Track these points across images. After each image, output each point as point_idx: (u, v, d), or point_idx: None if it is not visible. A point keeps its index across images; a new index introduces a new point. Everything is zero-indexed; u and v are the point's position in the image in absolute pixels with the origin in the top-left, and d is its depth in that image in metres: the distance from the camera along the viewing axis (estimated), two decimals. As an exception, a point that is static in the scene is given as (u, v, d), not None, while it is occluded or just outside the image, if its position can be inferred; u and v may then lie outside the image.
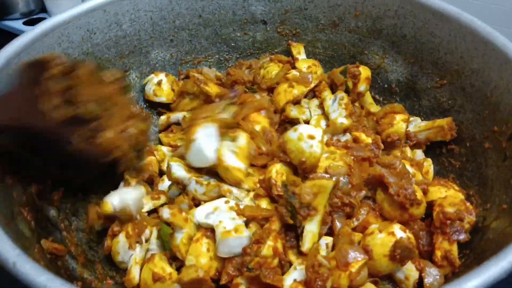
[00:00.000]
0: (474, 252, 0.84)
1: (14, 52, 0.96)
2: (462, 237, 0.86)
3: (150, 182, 1.08)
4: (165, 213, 0.90)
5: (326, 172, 0.92)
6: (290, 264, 0.86)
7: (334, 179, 0.89)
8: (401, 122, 1.10)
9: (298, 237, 0.87)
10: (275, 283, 0.79)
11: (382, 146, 1.05)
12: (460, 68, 1.04)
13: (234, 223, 0.85)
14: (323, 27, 1.26)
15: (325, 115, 1.15)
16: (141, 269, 0.91)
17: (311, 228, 0.86)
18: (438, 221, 0.88)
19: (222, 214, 0.87)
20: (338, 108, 1.11)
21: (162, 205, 1.00)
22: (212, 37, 1.29)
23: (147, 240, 0.94)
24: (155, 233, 0.94)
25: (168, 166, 0.96)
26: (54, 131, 0.83)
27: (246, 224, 0.87)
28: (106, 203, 0.93)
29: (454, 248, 0.85)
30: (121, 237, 0.93)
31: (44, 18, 1.95)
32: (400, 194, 0.87)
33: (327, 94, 1.17)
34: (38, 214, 0.90)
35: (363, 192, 0.92)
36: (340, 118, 1.07)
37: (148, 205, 1.00)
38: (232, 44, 1.31)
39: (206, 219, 0.87)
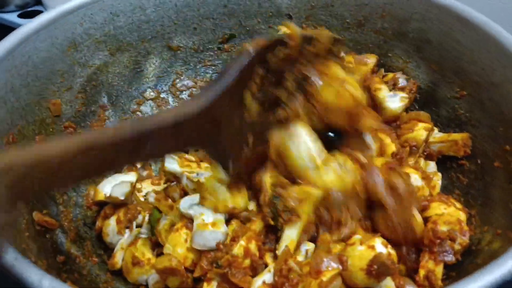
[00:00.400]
0: (460, 276, 0.80)
1: (34, 29, 0.99)
2: (449, 258, 0.82)
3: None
4: (151, 197, 0.91)
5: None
6: (266, 266, 0.84)
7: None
8: (422, 130, 1.05)
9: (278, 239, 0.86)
10: (241, 283, 0.78)
11: (404, 158, 0.99)
12: (481, 80, 0.98)
13: (214, 217, 0.85)
14: (349, 26, 1.22)
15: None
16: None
17: (290, 234, 0.83)
18: (427, 238, 0.84)
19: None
20: (399, 101, 1.09)
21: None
22: (236, 27, 1.28)
23: (138, 226, 0.95)
24: (147, 218, 0.96)
25: (162, 159, 0.97)
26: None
27: (228, 221, 0.87)
28: (99, 191, 0.96)
29: (439, 269, 0.81)
30: (112, 221, 0.95)
31: (39, 11, 1.95)
32: (398, 230, 0.83)
33: (383, 87, 1.12)
34: (37, 187, 0.94)
35: (360, 213, 0.87)
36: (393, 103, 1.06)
37: (146, 190, 1.01)
38: (256, 36, 1.30)
39: (189, 209, 0.87)
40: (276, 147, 0.86)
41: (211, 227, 0.83)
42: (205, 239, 0.83)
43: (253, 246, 0.82)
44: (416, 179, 0.93)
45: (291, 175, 0.87)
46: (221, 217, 0.86)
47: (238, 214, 0.88)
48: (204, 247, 0.83)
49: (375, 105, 1.09)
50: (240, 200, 0.88)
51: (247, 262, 0.80)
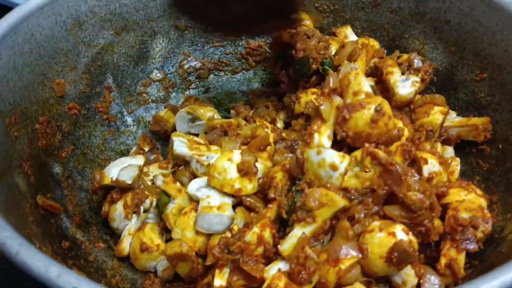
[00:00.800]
0: (483, 265, 0.77)
1: (37, 5, 0.95)
2: (472, 246, 0.78)
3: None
4: (159, 180, 0.88)
5: (347, 191, 0.80)
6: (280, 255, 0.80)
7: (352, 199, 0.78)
8: (439, 114, 1.01)
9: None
10: (253, 272, 0.74)
11: (418, 144, 0.93)
12: (503, 62, 0.95)
13: (220, 200, 0.82)
14: (364, 6, 1.18)
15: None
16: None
17: (299, 234, 0.76)
18: (448, 226, 0.80)
19: (214, 189, 0.84)
20: (410, 86, 1.02)
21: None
22: (246, 7, 1.24)
23: (145, 211, 0.92)
24: (155, 203, 0.93)
25: (171, 141, 0.93)
26: None
27: (234, 207, 0.84)
28: (105, 175, 0.92)
29: (461, 258, 0.78)
30: (119, 205, 0.92)
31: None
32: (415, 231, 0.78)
33: (395, 70, 1.06)
34: (40, 169, 0.90)
35: (376, 208, 0.80)
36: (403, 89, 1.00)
37: (154, 173, 0.98)
38: (266, 17, 1.26)
39: (196, 192, 0.84)
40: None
41: (216, 211, 0.80)
42: (209, 223, 0.81)
43: (267, 234, 0.78)
44: (433, 164, 0.89)
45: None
46: (228, 201, 0.84)
47: (243, 200, 0.84)
48: (209, 231, 0.81)
49: (387, 89, 1.05)
50: (247, 184, 0.85)
51: (260, 250, 0.77)
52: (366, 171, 0.78)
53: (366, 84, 0.86)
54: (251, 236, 0.76)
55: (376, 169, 0.78)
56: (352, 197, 0.78)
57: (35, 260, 0.59)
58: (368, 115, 0.80)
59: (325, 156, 0.77)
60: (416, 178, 0.80)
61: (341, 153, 0.78)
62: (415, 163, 0.87)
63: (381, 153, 0.78)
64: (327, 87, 0.87)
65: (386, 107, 0.81)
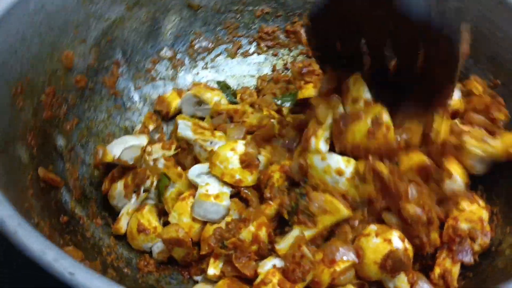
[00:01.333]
0: (477, 278, 0.77)
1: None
2: (468, 259, 0.78)
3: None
4: (161, 163, 0.88)
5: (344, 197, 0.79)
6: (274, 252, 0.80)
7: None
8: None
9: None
10: (243, 269, 0.75)
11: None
12: (518, 70, 0.93)
13: (219, 189, 0.83)
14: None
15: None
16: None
17: (297, 235, 0.77)
18: (446, 235, 0.80)
19: (214, 177, 0.85)
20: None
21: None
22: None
23: (146, 190, 0.92)
24: (155, 183, 0.93)
25: (176, 123, 0.93)
26: None
27: (230, 197, 0.85)
28: (107, 152, 0.92)
29: (455, 269, 0.78)
30: (119, 184, 0.92)
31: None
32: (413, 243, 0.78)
33: None
34: (44, 141, 0.90)
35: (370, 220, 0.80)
36: None
37: (157, 153, 0.97)
38: (282, 1, 1.23)
39: (196, 178, 0.85)
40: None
41: (213, 199, 0.81)
42: (206, 210, 0.82)
43: (262, 233, 0.78)
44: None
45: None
46: (226, 191, 0.84)
47: (241, 191, 0.85)
48: (204, 218, 0.82)
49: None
50: (248, 176, 0.85)
51: (254, 248, 0.77)
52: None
53: (365, 90, 0.81)
54: (246, 234, 0.77)
55: (376, 183, 0.77)
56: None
57: (32, 242, 0.59)
58: (365, 126, 0.77)
59: (330, 162, 0.77)
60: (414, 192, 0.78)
61: (346, 158, 0.77)
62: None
63: (385, 172, 0.76)
64: (324, 88, 0.85)
65: (385, 116, 0.78)
